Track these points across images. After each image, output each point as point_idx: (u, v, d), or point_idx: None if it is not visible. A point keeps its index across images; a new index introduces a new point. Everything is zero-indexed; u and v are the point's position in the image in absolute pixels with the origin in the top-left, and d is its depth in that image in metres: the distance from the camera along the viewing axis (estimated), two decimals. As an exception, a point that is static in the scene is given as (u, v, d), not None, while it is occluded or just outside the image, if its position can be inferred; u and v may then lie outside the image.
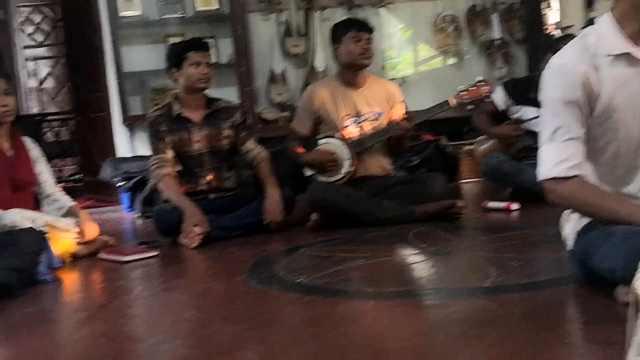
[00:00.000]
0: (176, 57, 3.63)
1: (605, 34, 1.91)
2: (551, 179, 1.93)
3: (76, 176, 7.31)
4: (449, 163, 4.73)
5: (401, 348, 1.76)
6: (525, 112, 3.89)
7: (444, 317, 1.99)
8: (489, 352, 1.64)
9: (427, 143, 4.95)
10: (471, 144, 4.59)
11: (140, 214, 4.77)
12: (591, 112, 1.91)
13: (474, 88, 3.62)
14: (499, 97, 4.00)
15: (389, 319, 2.06)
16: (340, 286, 2.43)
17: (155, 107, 3.81)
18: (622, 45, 1.88)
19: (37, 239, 2.91)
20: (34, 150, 3.45)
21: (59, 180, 6.35)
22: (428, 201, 3.44)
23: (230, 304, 2.35)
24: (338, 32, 3.73)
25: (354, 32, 3.67)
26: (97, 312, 2.45)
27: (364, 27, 3.72)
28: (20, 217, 3.06)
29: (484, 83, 3.64)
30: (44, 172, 3.46)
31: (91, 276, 3.04)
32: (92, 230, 3.37)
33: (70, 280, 3.00)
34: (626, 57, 1.89)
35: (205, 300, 2.45)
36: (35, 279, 2.83)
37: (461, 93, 3.63)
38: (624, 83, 1.89)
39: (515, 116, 3.96)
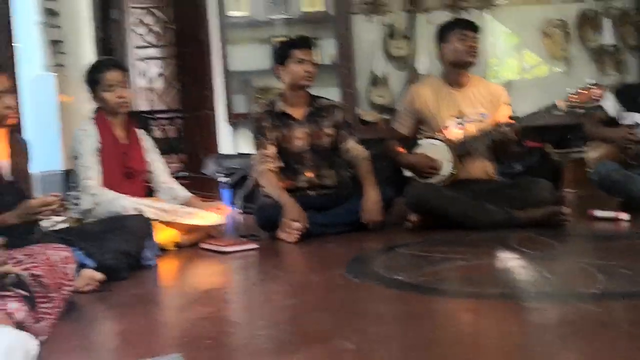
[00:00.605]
0: (281, 54, 3.70)
1: None
2: None
3: (181, 173, 7.58)
4: (554, 171, 4.59)
5: (500, 346, 1.72)
6: (636, 118, 3.73)
7: (547, 320, 1.93)
8: (597, 356, 1.58)
9: (531, 150, 4.82)
10: (577, 151, 4.43)
11: (240, 210, 4.87)
12: None
13: (585, 91, 3.46)
14: (610, 104, 3.85)
15: (487, 318, 2.01)
16: (438, 285, 2.40)
17: (259, 104, 3.88)
18: None
19: (144, 225, 3.03)
20: (147, 141, 3.60)
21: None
22: (531, 207, 3.33)
23: (328, 295, 2.37)
24: (444, 31, 3.70)
25: (460, 30, 3.62)
26: (199, 297, 2.53)
27: (471, 26, 3.67)
28: (130, 203, 3.20)
29: (595, 86, 3.49)
30: (157, 161, 3.61)
31: (193, 264, 3.12)
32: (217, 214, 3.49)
33: (173, 266, 3.10)
34: None
35: (304, 291, 2.48)
36: (140, 264, 2.95)
37: (570, 96, 3.49)
38: None
39: (626, 122, 3.79)
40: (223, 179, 5.20)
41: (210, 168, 5.31)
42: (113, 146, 3.38)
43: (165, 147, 7.53)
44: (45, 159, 5.11)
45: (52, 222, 3.11)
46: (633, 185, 3.55)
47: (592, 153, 3.94)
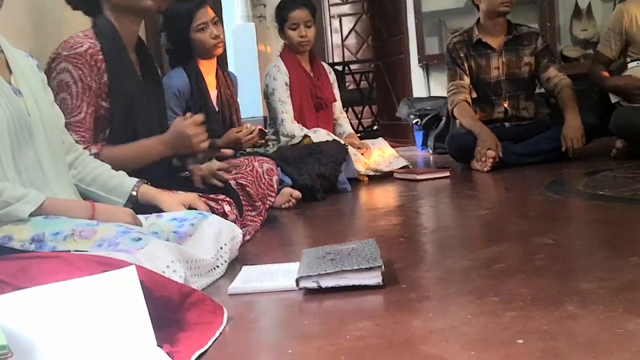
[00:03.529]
0: None
1: None
2: None
3: (374, 127, 7.69)
4: None
5: None
6: None
7: None
8: None
9: None
10: None
11: (433, 151, 4.85)
12: None
13: None
14: None
15: None
16: (643, 197, 2.23)
17: (455, 34, 3.79)
18: None
19: (340, 150, 3.11)
20: (331, 74, 3.70)
21: (357, 130, 6.74)
22: None
23: (523, 207, 2.30)
24: None
25: None
26: (392, 211, 2.56)
27: None
28: (325, 134, 3.31)
29: None
30: (336, 96, 3.69)
31: (386, 189, 3.16)
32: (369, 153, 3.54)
33: (367, 191, 3.16)
34: None
35: (498, 204, 2.43)
36: (335, 187, 3.04)
37: None
38: None
39: None
40: (415, 121, 5.19)
41: (402, 111, 5.32)
42: (302, 79, 3.50)
43: (358, 99, 7.70)
44: (246, 105, 5.41)
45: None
46: None
47: None
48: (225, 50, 3.29)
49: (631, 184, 2.51)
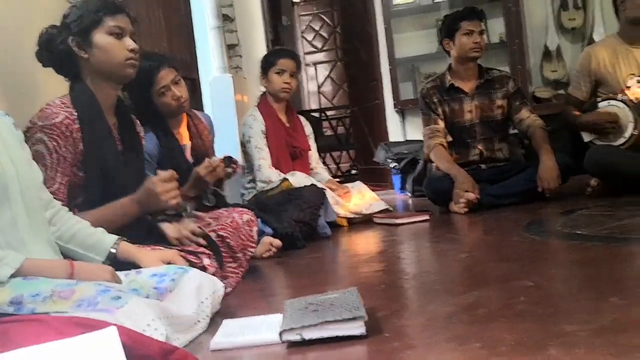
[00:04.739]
0: (449, 27, 3.67)
1: None
2: None
3: (352, 170, 7.75)
4: None
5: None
6: None
7: None
8: None
9: None
10: None
11: (411, 194, 4.88)
12: None
13: None
14: None
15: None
16: (622, 235, 2.26)
17: (428, 80, 3.86)
18: None
19: (318, 194, 3.12)
20: (307, 126, 3.74)
21: (335, 175, 6.77)
22: None
23: (503, 249, 2.31)
24: None
25: None
26: (373, 257, 2.56)
27: None
28: (303, 177, 3.33)
29: None
30: (312, 147, 3.72)
31: (366, 234, 3.17)
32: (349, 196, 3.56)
33: (348, 236, 3.17)
34: None
35: (478, 247, 2.44)
36: (316, 232, 3.04)
37: None
38: None
39: None
40: (393, 165, 5.23)
41: (379, 156, 5.37)
42: (278, 129, 3.53)
43: (336, 144, 7.77)
44: (224, 154, 5.42)
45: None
46: None
47: None
48: (193, 103, 3.29)
49: (607, 222, 2.54)
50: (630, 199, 3.05)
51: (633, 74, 3.41)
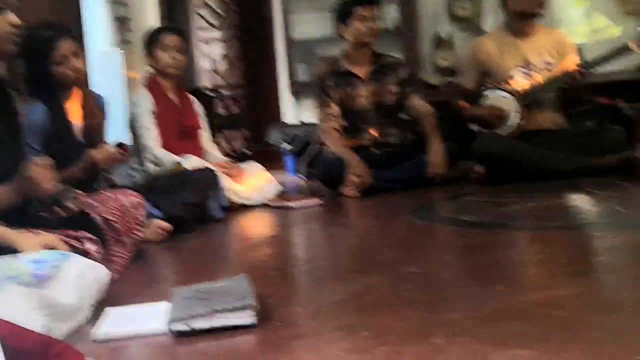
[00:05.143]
0: (343, 12, 3.67)
1: None
2: None
3: (245, 150, 7.68)
4: (626, 126, 4.40)
5: (566, 268, 1.66)
6: None
7: (620, 244, 1.86)
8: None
9: (602, 106, 4.65)
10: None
11: (303, 176, 4.89)
12: None
13: None
14: None
15: (553, 246, 1.95)
16: (503, 222, 2.35)
17: (323, 64, 3.86)
18: None
19: (210, 177, 3.07)
20: (197, 104, 3.63)
21: (228, 154, 6.68)
22: (604, 154, 3.21)
23: (391, 235, 2.35)
24: None
25: None
26: (266, 241, 2.55)
27: None
28: (197, 161, 3.25)
29: None
30: (203, 126, 3.62)
31: (258, 216, 3.15)
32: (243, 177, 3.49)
33: (239, 219, 3.13)
34: None
35: (367, 233, 2.48)
36: (207, 215, 2.98)
37: (644, 34, 3.37)
38: None
39: None
40: (286, 147, 5.22)
41: (273, 137, 5.35)
42: (167, 108, 3.41)
43: (230, 124, 7.66)
44: (111, 132, 5.24)
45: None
46: None
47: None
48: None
49: (490, 209, 2.63)
50: (512, 186, 3.18)
51: (518, 65, 3.54)
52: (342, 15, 3.67)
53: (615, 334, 1.13)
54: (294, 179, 5.04)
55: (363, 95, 3.69)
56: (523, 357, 1.08)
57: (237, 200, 3.33)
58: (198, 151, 3.49)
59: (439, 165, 3.45)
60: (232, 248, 2.55)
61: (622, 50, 3.39)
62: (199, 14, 9.18)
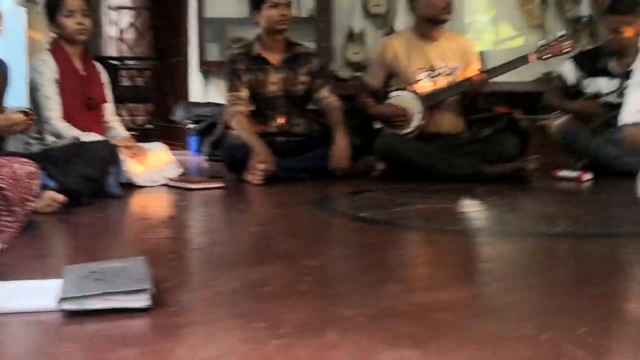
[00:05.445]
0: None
1: None
2: (633, 124, 1.87)
3: (147, 125, 7.51)
4: (521, 136, 4.62)
5: (454, 270, 1.74)
6: (596, 83, 3.79)
7: (505, 251, 1.97)
8: (547, 283, 1.61)
9: (500, 115, 4.86)
10: (544, 118, 4.48)
11: (207, 157, 4.85)
12: None
13: (556, 43, 3.56)
14: (569, 71, 3.91)
15: (445, 248, 2.04)
16: (400, 221, 2.43)
17: (236, 46, 3.84)
18: None
19: (109, 151, 2.99)
20: (104, 74, 3.50)
21: (129, 128, 6.48)
22: (499, 162, 3.37)
23: (292, 225, 2.38)
24: None
25: None
26: (164, 222, 2.52)
27: None
28: (97, 138, 3.15)
29: (565, 38, 3.57)
30: (108, 99, 3.52)
31: (157, 196, 3.10)
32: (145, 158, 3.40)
33: (138, 197, 3.08)
34: None
35: (268, 221, 2.49)
36: (104, 191, 2.91)
37: (542, 48, 3.56)
38: None
39: (588, 90, 3.85)
40: (191, 126, 5.16)
41: (179, 115, 5.26)
42: (72, 77, 3.28)
43: (134, 96, 7.47)
44: (10, 94, 5.00)
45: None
46: (598, 149, 3.61)
47: (555, 121, 3.97)
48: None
49: (388, 206, 2.71)
50: (411, 185, 3.28)
51: (423, 68, 3.65)
52: (255, 2, 3.66)
53: (499, 339, 1.20)
54: (197, 159, 4.99)
55: (273, 82, 3.69)
56: (411, 357, 1.12)
57: (136, 180, 3.26)
58: (101, 125, 3.39)
59: (342, 159, 3.51)
60: (129, 227, 2.50)
61: (521, 60, 3.56)
62: (109, -21, 8.90)
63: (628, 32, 3.62)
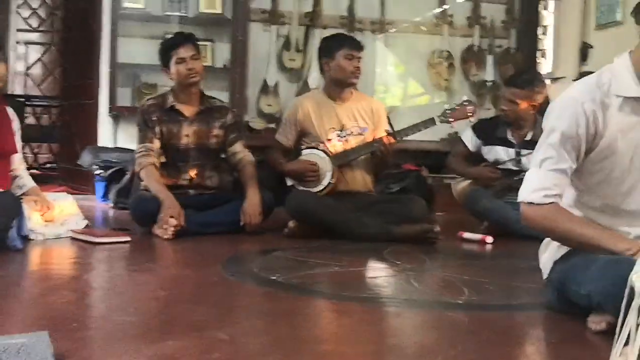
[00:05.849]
0: (163, 56, 3.66)
1: (621, 73, 1.90)
2: (528, 202, 1.96)
3: (51, 164, 7.26)
4: (428, 193, 4.77)
5: (361, 346, 1.76)
6: (495, 151, 3.97)
7: (413, 324, 2.01)
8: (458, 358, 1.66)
9: (408, 172, 5.01)
10: (450, 177, 4.64)
11: (113, 205, 4.73)
12: (590, 150, 1.91)
13: (460, 108, 3.75)
14: (468, 138, 4.09)
15: (354, 319, 2.06)
16: (310, 287, 2.45)
17: (150, 97, 3.80)
18: (634, 88, 1.87)
19: (13, 203, 2.88)
20: (15, 122, 3.36)
21: (31, 167, 6.25)
22: (406, 222, 3.46)
23: (202, 290, 2.35)
24: (330, 47, 3.77)
25: (347, 49, 3.71)
26: (66, 282, 2.43)
27: (357, 46, 3.77)
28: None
29: (468, 103, 3.78)
30: (18, 147, 3.37)
31: (61, 250, 2.99)
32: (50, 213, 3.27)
33: (40, 252, 2.96)
34: (636, 101, 1.88)
35: (177, 284, 2.44)
36: (5, 244, 2.79)
37: (447, 112, 3.73)
38: (629, 127, 1.88)
39: (487, 156, 4.02)
40: (98, 172, 5.03)
41: (85, 159, 5.13)
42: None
43: (37, 135, 7.23)
44: None
45: None
46: (500, 212, 3.75)
47: (458, 185, 4.11)
48: None
49: (300, 268, 2.72)
50: (323, 243, 3.31)
51: (334, 128, 3.74)
52: (163, 59, 3.66)
53: None
54: (103, 205, 4.86)
55: (187, 135, 3.68)
56: None
57: (40, 232, 3.14)
58: (7, 176, 3.21)
59: (253, 215, 3.51)
60: (29, 287, 2.38)
61: (428, 122, 3.70)
62: (19, 14, 8.65)
63: (523, 104, 3.83)
